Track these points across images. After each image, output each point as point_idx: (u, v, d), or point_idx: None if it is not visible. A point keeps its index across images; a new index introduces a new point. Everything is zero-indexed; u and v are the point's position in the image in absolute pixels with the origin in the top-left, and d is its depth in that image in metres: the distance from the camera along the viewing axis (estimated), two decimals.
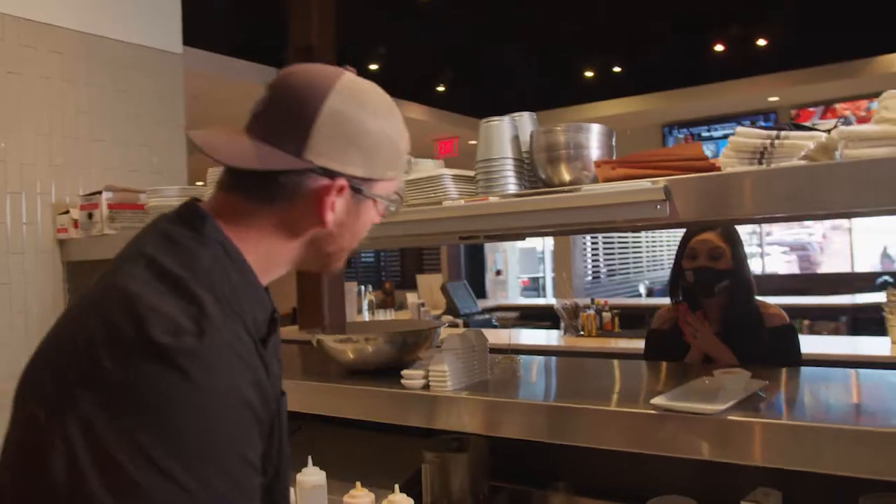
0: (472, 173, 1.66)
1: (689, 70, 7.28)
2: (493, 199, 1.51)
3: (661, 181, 1.29)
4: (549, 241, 11.94)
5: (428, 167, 1.81)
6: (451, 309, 6.72)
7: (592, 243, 10.20)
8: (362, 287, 6.79)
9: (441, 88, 7.95)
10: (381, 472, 1.80)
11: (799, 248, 10.79)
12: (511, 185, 1.58)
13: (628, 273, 10.72)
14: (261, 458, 0.83)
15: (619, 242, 10.70)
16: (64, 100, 2.70)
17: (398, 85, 7.70)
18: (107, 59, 2.79)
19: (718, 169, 1.29)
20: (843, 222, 9.67)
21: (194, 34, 3.35)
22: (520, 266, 13.55)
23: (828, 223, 10.04)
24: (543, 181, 1.58)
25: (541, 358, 2.15)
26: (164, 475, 0.71)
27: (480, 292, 11.24)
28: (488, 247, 12.39)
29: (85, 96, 2.75)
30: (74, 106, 2.72)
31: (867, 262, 9.70)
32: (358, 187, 0.93)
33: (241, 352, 0.82)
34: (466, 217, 1.50)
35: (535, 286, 13.99)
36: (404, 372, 1.67)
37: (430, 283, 7.78)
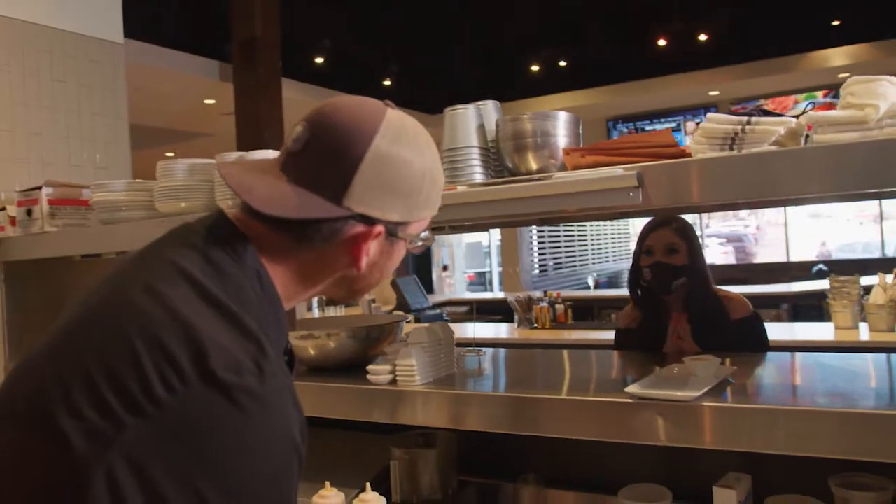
0: None
1: (633, 65, 7.39)
2: (460, 188, 1.47)
3: (634, 168, 1.28)
4: (495, 236, 12.00)
5: None
6: (402, 304, 6.68)
7: (539, 237, 10.29)
8: None
9: (387, 83, 7.88)
10: (348, 471, 1.75)
11: (735, 240, 11.11)
12: (477, 175, 1.56)
13: (574, 266, 10.85)
14: None
15: (566, 235, 10.82)
16: (11, 90, 2.56)
17: (342, 78, 7.64)
18: (43, 48, 2.66)
19: (689, 155, 1.29)
20: (779, 216, 10.01)
21: (136, 25, 3.23)
22: (466, 261, 13.60)
23: (763, 217, 10.38)
24: (510, 170, 1.56)
25: (502, 350, 2.13)
26: None
27: (428, 288, 11.23)
28: (435, 242, 12.40)
29: (20, 86, 2.61)
30: (9, 96, 2.58)
31: (801, 253, 10.06)
32: (394, 231, 0.92)
33: (294, 394, 0.82)
34: None
35: (481, 281, 14.07)
36: (370, 367, 1.63)
37: None
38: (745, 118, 1.25)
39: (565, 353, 1.98)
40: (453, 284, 12.78)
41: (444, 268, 13.19)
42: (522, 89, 8.17)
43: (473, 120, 1.59)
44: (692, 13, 6.57)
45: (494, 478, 1.81)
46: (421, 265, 12.17)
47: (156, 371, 0.70)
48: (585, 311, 5.19)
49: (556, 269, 10.82)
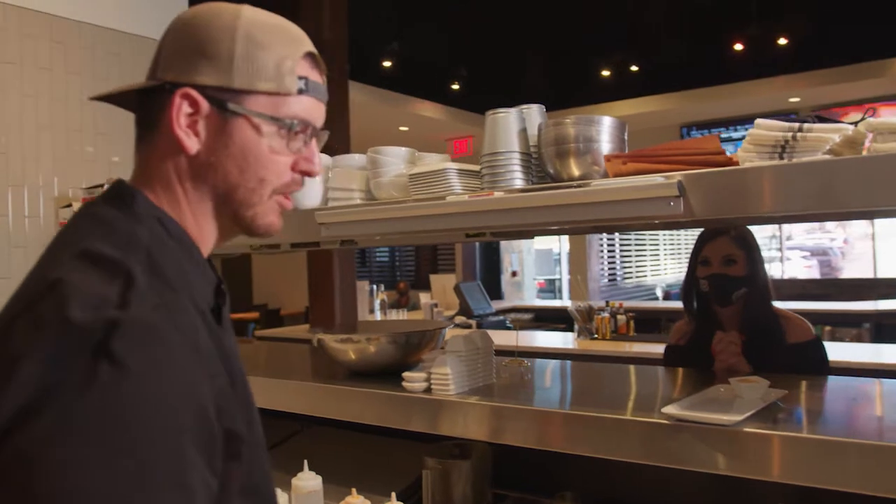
0: (477, 168, 1.59)
1: (708, 69, 7.15)
2: (498, 194, 1.43)
3: (676, 176, 1.21)
4: (565, 243, 11.84)
5: (433, 161, 1.74)
6: (465, 309, 6.66)
7: (609, 245, 10.10)
8: (374, 286, 6.74)
9: (455, 86, 7.88)
10: (380, 478, 1.74)
11: (820, 253, 10.61)
12: (518, 180, 1.51)
13: (645, 276, 10.60)
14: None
15: (637, 244, 10.59)
16: (66, 91, 2.66)
17: (412, 83, 7.68)
18: (111, 50, 2.75)
19: (736, 163, 1.22)
20: (867, 228, 9.50)
21: None
22: (536, 267, 13.46)
23: (850, 229, 9.88)
24: (552, 176, 1.51)
25: (551, 361, 2.08)
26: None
27: (496, 293, 11.17)
28: (504, 247, 12.31)
29: (88, 88, 2.71)
30: (78, 98, 2.68)
31: (892, 269, 9.51)
32: (219, 99, 0.82)
33: (210, 343, 0.72)
34: (470, 213, 1.43)
35: (551, 288, 13.91)
36: (405, 374, 1.61)
37: (443, 284, 7.72)
38: (796, 125, 1.17)
39: (612, 367, 1.91)
40: (522, 291, 12.67)
41: (513, 273, 13.10)
42: (593, 95, 8.02)
43: (515, 124, 1.55)
44: (770, 16, 6.30)
45: (530, 493, 1.76)
46: (489, 270, 12.12)
47: (22, 334, 0.65)
48: (651, 323, 5.04)
49: (625, 278, 10.60)
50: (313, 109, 0.88)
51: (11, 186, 2.52)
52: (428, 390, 1.57)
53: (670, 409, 1.25)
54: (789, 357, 1.97)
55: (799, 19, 6.31)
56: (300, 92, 0.86)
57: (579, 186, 1.32)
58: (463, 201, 1.45)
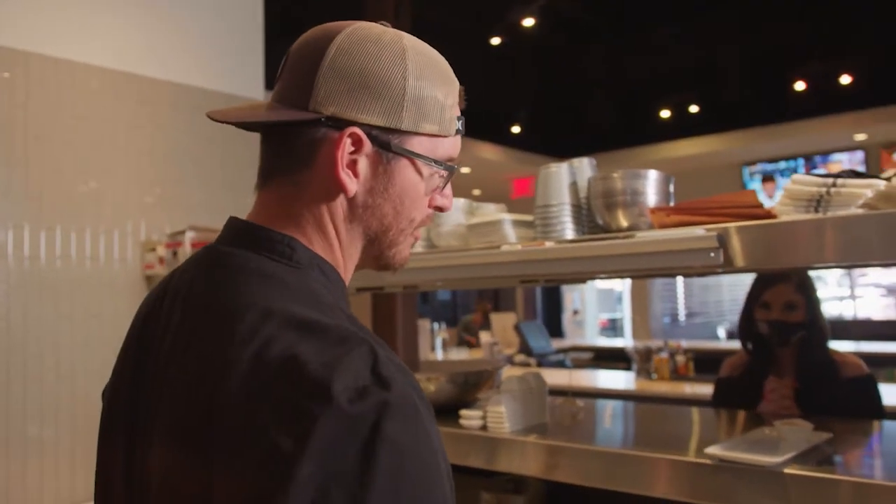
0: (531, 217, 1.69)
1: (770, 108, 7.11)
2: (548, 244, 1.53)
3: (716, 228, 1.29)
4: (627, 281, 11.76)
5: (489, 211, 1.86)
6: (524, 348, 6.69)
7: (669, 285, 9.98)
8: (435, 325, 6.85)
9: (516, 129, 8.02)
10: None
11: None
12: (568, 231, 1.61)
13: (709, 315, 10.42)
14: None
15: (700, 284, 10.43)
16: (153, 145, 2.90)
17: (472, 125, 7.84)
18: (193, 106, 2.98)
19: (774, 216, 1.29)
20: None
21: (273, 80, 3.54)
22: (598, 306, 13.36)
23: None
24: (601, 227, 1.60)
25: (604, 402, 2.14)
26: None
27: (557, 332, 11.14)
28: (565, 286, 12.29)
29: (173, 141, 2.94)
30: (163, 151, 2.92)
31: None
32: (384, 140, 0.77)
33: (419, 390, 0.68)
34: (522, 262, 1.53)
35: (613, 326, 13.76)
36: (462, 412, 1.71)
37: (504, 322, 7.77)
38: (830, 180, 1.24)
39: (664, 408, 1.96)
40: (584, 329, 12.57)
41: (575, 312, 13.03)
42: (653, 135, 8.05)
43: (566, 178, 1.65)
44: (833, 54, 6.26)
45: None
46: (551, 309, 12.10)
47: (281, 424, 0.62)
48: (711, 363, 4.96)
49: (689, 317, 10.44)
50: (458, 145, 0.85)
51: (104, 232, 2.75)
52: (484, 427, 1.66)
53: (713, 450, 1.31)
54: (842, 394, 1.99)
55: (862, 56, 6.24)
56: (457, 132, 0.84)
57: (625, 238, 1.41)
58: (517, 251, 1.56)
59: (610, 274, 1.54)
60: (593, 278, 1.76)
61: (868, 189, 1.21)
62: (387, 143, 0.77)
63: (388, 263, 0.86)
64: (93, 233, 2.72)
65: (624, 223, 1.55)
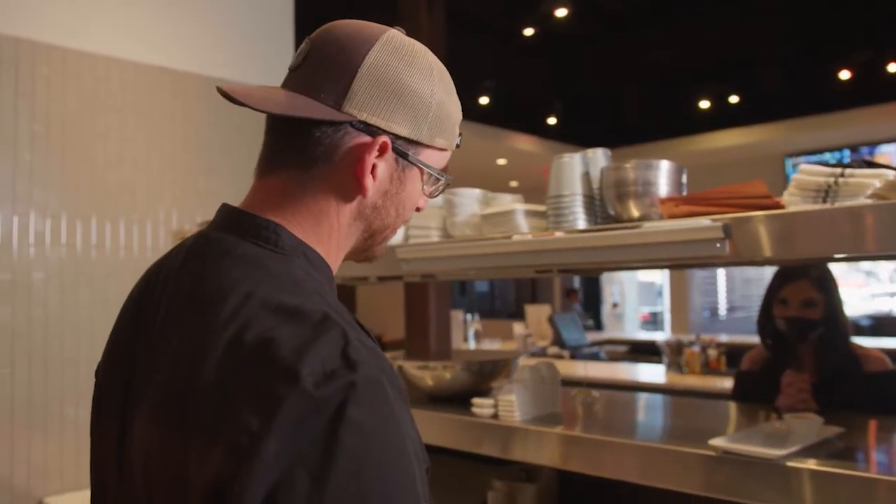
0: (545, 208, 1.70)
1: (813, 98, 6.93)
2: (558, 234, 1.54)
3: (722, 219, 1.28)
4: (666, 274, 11.63)
5: (503, 202, 1.87)
6: (558, 340, 6.68)
7: (707, 278, 9.83)
8: (469, 316, 6.87)
9: (552, 120, 7.97)
10: (448, 499, 1.84)
11: None
12: (580, 221, 1.61)
13: (750, 309, 10.23)
14: None
15: (741, 277, 10.25)
16: (185, 137, 2.97)
17: (508, 117, 7.84)
18: (223, 99, 3.04)
19: (782, 207, 1.27)
20: None
21: None
22: (639, 299, 13.23)
23: None
24: (613, 217, 1.60)
25: (621, 393, 2.13)
26: None
27: (597, 325, 11.07)
28: (605, 279, 12.18)
29: (204, 133, 3.01)
30: (194, 142, 2.99)
31: None
32: (403, 150, 0.81)
33: (390, 371, 0.69)
34: (532, 251, 1.54)
35: (654, 320, 13.63)
36: (474, 400, 1.72)
37: (538, 314, 7.76)
38: (838, 170, 1.22)
39: (682, 401, 1.95)
40: (623, 322, 12.47)
41: (614, 305, 12.93)
42: (692, 126, 7.92)
43: (578, 168, 1.65)
44: (877, 42, 6.06)
45: None
46: (590, 301, 12.03)
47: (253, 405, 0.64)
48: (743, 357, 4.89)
49: (729, 311, 10.27)
50: (449, 157, 0.90)
51: (137, 221, 2.83)
52: (495, 416, 1.67)
53: (718, 442, 1.31)
54: (864, 389, 1.95)
55: None
56: (456, 147, 0.89)
57: (633, 228, 1.41)
58: (527, 240, 1.56)
59: (619, 265, 1.54)
60: (605, 269, 1.76)
61: (876, 179, 1.18)
62: (405, 153, 0.82)
63: (372, 256, 0.90)
64: (126, 222, 2.81)
65: (635, 213, 1.54)
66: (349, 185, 0.80)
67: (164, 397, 0.70)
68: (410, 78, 0.80)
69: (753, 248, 1.26)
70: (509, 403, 1.65)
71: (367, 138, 0.78)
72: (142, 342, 0.78)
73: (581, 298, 10.77)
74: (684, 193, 1.56)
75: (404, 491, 0.64)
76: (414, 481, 0.65)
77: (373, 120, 0.78)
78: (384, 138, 0.79)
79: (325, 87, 0.78)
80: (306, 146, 0.79)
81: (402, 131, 0.80)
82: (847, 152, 8.04)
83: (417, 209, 0.90)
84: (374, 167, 0.79)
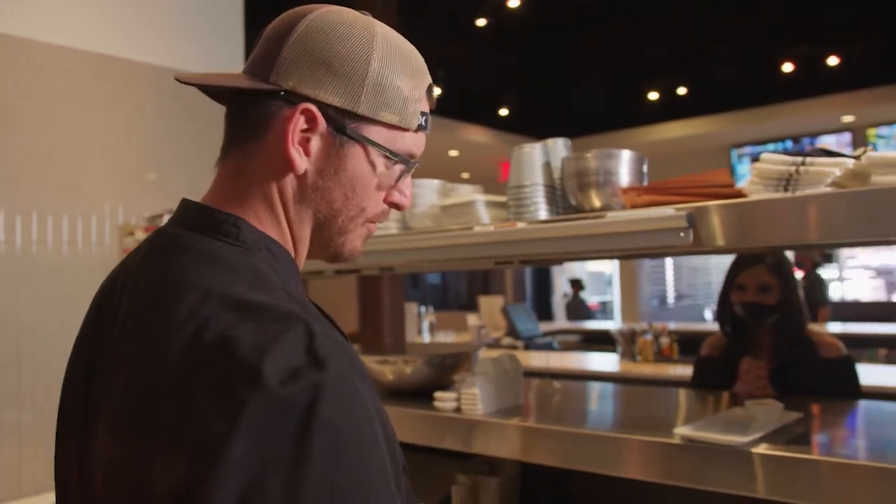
0: (505, 199, 1.68)
1: (757, 90, 7.10)
2: (520, 225, 1.52)
3: (685, 208, 1.28)
4: (616, 264, 11.80)
5: (464, 193, 1.84)
6: (512, 331, 6.70)
7: (655, 267, 10.01)
8: (423, 308, 6.84)
9: (504, 112, 7.99)
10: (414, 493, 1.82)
11: (886, 273, 10.27)
12: (542, 211, 1.60)
13: (697, 297, 10.46)
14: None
15: (688, 266, 10.47)
16: (130, 127, 2.86)
17: (461, 108, 7.83)
18: (171, 89, 2.95)
19: (744, 195, 1.28)
20: None
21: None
22: (589, 289, 13.41)
23: None
24: (574, 207, 1.59)
25: (582, 384, 2.14)
26: None
27: (547, 315, 11.17)
28: (556, 270, 12.30)
29: (151, 124, 2.91)
30: (142, 133, 2.88)
31: None
32: (340, 123, 0.76)
33: (360, 367, 0.67)
34: (493, 243, 1.52)
35: (604, 309, 13.83)
36: (437, 394, 1.70)
37: (491, 305, 7.78)
38: (799, 158, 1.23)
39: (640, 389, 1.96)
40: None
41: (564, 295, 13.08)
42: (642, 117, 8.04)
43: (539, 158, 1.64)
44: (820, 36, 6.24)
45: None
46: (541, 292, 12.13)
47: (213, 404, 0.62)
48: (695, 345, 4.97)
49: (677, 299, 10.48)
50: (421, 143, 0.84)
51: (81, 216, 2.72)
52: (458, 410, 1.65)
53: (683, 430, 1.31)
54: (819, 374, 2.00)
55: (849, 37, 6.23)
56: (419, 129, 0.82)
57: (595, 218, 1.40)
58: (488, 232, 1.54)
59: (582, 255, 1.53)
60: (567, 259, 1.75)
61: (836, 168, 1.20)
62: (342, 126, 0.76)
63: (338, 252, 0.84)
64: (70, 217, 2.70)
65: (597, 203, 1.54)
66: (281, 162, 0.76)
67: (123, 403, 0.66)
68: (342, 44, 0.76)
69: (715, 237, 1.26)
70: (472, 397, 1.63)
71: (292, 109, 0.75)
72: (102, 345, 0.74)
73: (530, 289, 10.86)
74: (645, 183, 1.57)
75: (380, 490, 0.62)
76: (388, 480, 0.63)
77: (300, 89, 0.75)
78: (307, 105, 0.75)
79: (259, 62, 0.78)
80: (243, 123, 0.78)
81: (334, 100, 0.75)
82: (790, 143, 8.27)
83: (395, 206, 0.85)
84: (306, 141, 0.76)
